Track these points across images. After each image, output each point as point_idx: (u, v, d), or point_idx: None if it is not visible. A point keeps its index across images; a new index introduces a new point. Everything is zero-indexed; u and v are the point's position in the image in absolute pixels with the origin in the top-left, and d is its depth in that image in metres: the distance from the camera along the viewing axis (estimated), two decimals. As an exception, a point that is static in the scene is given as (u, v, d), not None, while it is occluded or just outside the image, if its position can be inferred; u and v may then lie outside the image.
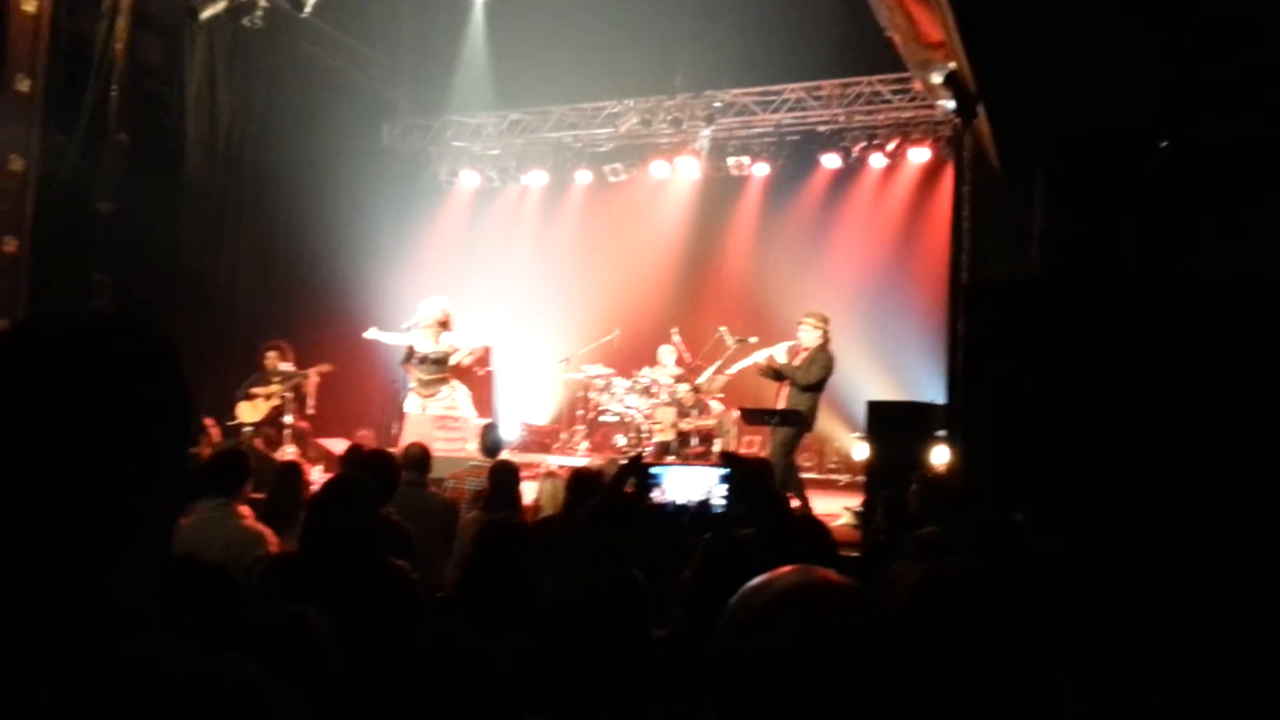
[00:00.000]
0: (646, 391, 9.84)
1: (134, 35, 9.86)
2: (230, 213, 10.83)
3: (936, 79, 6.47)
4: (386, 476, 4.37)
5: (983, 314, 5.15)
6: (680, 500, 2.65)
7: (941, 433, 6.36)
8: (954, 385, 5.83)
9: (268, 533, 4.05)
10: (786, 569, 1.19)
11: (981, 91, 5.93)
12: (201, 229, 10.44)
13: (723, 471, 2.66)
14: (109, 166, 9.66)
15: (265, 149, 11.18)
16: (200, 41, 10.36)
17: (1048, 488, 4.40)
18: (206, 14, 9.51)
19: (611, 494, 2.59)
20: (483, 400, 10.26)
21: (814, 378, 7.68)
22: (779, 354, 7.90)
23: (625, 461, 2.68)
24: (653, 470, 2.62)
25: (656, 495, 2.64)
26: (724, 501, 2.62)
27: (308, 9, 9.28)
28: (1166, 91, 5.58)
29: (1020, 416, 4.67)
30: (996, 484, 4.57)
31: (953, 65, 6.02)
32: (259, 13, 9.49)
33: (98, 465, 0.84)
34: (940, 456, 6.25)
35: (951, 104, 6.43)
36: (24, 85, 8.85)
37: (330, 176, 11.73)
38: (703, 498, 2.64)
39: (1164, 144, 5.94)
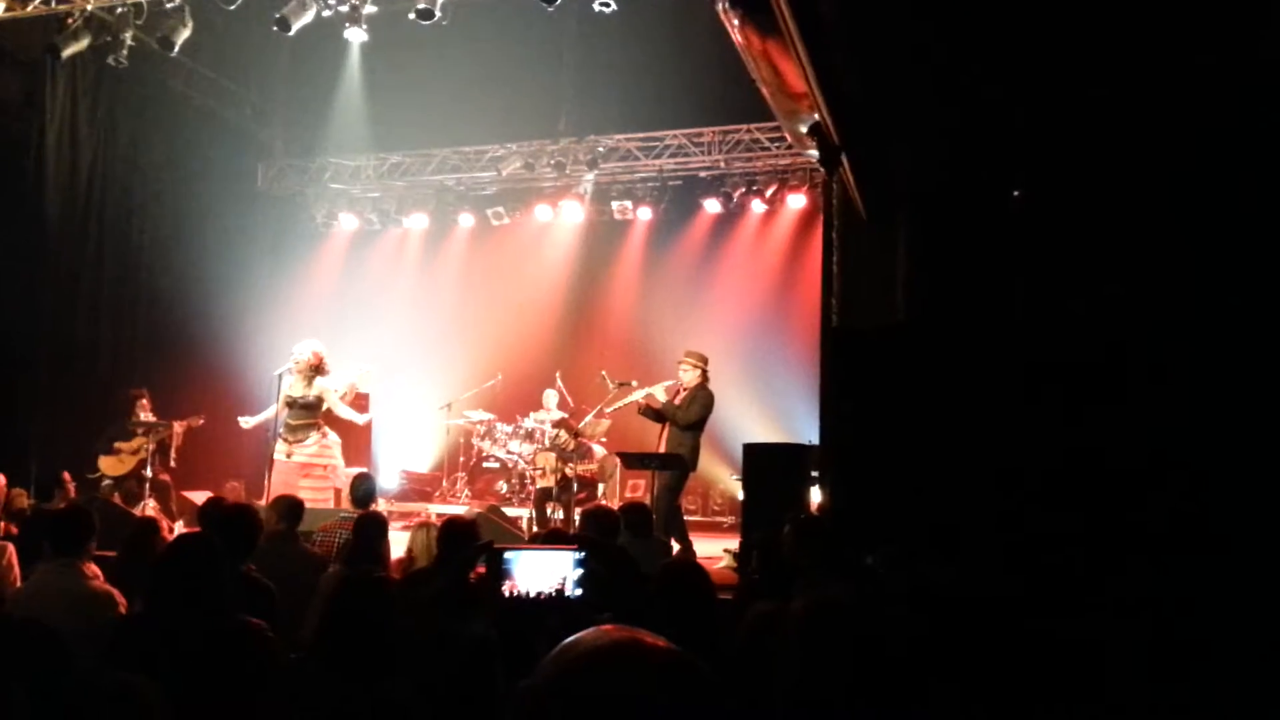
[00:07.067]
0: (529, 437, 9.77)
1: (-12, 70, 9.47)
2: (91, 256, 10.37)
3: (803, 129, 6.67)
4: (246, 532, 4.21)
5: (847, 357, 5.28)
6: (534, 590, 2.49)
7: (815, 474, 6.47)
8: (825, 427, 5.96)
9: (115, 593, 3.85)
10: (607, 626, 1.16)
11: (843, 143, 6.15)
12: (60, 273, 9.97)
13: (577, 556, 2.52)
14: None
15: (131, 190, 10.80)
16: (62, 79, 9.97)
17: (910, 525, 4.51)
18: (69, 51, 9.15)
19: (455, 579, 2.48)
20: (361, 448, 10.02)
21: (694, 416, 7.72)
22: (658, 393, 7.94)
23: (474, 546, 2.56)
24: (505, 556, 2.48)
25: (508, 586, 2.48)
26: (579, 590, 2.49)
27: (177, 48, 9.01)
28: (1019, 143, 5.89)
29: (883, 456, 4.80)
30: (861, 523, 4.67)
31: (817, 116, 6.21)
32: (125, 51, 9.18)
33: None
34: (815, 497, 6.36)
35: (816, 154, 6.64)
36: None
37: (201, 219, 11.39)
38: (557, 586, 2.48)
39: (1016, 193, 6.24)
